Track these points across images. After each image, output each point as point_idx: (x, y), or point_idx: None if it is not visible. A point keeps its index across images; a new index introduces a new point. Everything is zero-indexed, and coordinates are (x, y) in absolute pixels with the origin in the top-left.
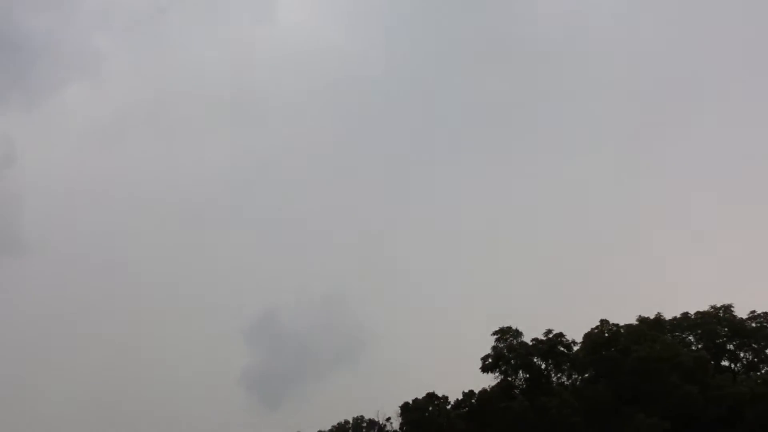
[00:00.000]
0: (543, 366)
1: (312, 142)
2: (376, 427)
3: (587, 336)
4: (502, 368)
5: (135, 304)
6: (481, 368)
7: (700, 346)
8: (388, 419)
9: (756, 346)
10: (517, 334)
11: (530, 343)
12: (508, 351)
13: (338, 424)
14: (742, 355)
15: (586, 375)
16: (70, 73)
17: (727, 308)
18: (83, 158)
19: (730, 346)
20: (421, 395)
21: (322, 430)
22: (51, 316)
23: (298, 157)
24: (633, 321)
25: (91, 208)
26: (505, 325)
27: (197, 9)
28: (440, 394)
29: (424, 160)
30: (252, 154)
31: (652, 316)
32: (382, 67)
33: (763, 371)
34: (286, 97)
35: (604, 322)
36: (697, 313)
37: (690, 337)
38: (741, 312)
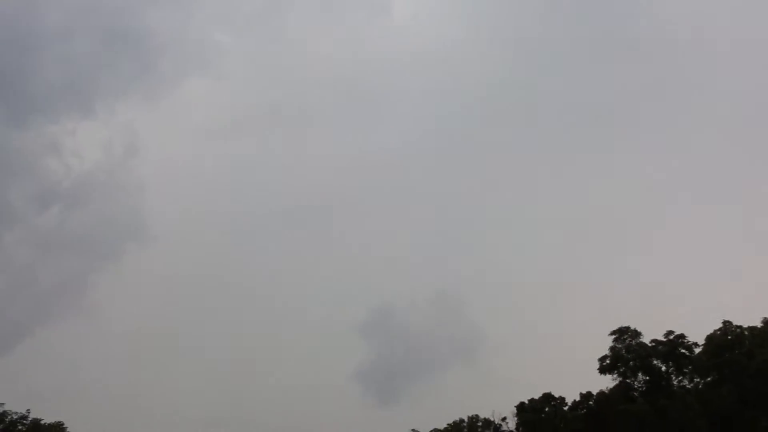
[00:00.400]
0: (663, 368)
1: (424, 138)
2: (492, 427)
3: (709, 338)
4: (621, 369)
5: (252, 295)
6: (598, 369)
7: None
8: (504, 419)
9: None
10: (636, 334)
11: (649, 345)
12: (626, 352)
13: (453, 422)
14: None
15: (709, 378)
16: (191, 68)
17: None
18: (203, 149)
19: None
20: (536, 395)
21: (437, 428)
22: (171, 298)
23: (413, 156)
24: (757, 323)
25: (211, 198)
26: (623, 325)
27: (314, 5)
28: (557, 395)
29: (528, 158)
30: (368, 150)
31: None
32: (489, 63)
33: None
34: (400, 93)
35: (726, 324)
36: None
37: None
38: None
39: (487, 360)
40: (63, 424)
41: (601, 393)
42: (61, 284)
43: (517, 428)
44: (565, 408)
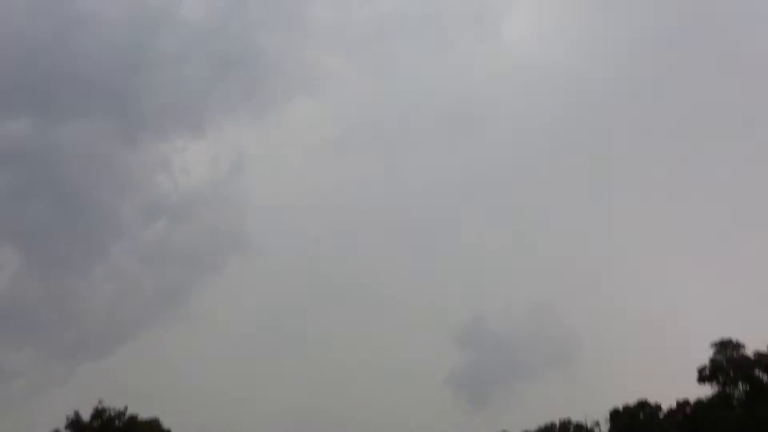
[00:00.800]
0: (765, 379)
1: (529, 156)
2: None
3: None
4: (720, 380)
5: (350, 305)
6: (697, 379)
7: None
8: (597, 424)
9: None
10: (738, 346)
11: (753, 357)
12: (727, 363)
13: (545, 425)
14: None
15: None
16: (299, 89)
17: None
18: (308, 169)
19: None
20: (629, 401)
21: (528, 430)
22: (274, 310)
23: (519, 163)
24: None
25: (314, 216)
26: (725, 338)
27: (422, 28)
28: (652, 402)
29: (635, 167)
30: (472, 168)
31: None
32: (601, 80)
33: None
34: (508, 113)
35: None
36: None
37: None
38: None
39: (581, 366)
40: (159, 420)
41: (699, 401)
42: (165, 293)
43: None
44: (661, 415)
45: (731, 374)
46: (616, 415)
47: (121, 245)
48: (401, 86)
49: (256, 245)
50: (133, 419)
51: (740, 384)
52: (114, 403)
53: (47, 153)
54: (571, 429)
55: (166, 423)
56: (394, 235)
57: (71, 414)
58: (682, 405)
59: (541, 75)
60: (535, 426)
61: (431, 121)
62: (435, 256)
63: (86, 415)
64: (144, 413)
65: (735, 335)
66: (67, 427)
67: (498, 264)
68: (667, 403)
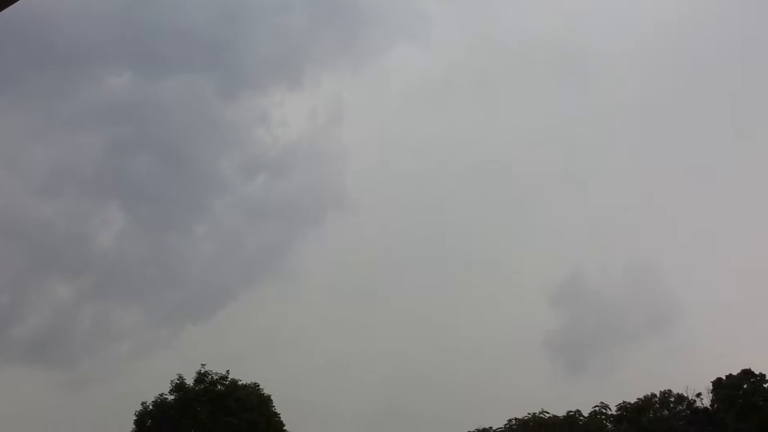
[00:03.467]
0: None
1: (643, 100)
2: (685, 403)
3: None
4: None
5: (446, 264)
6: None
7: None
8: (699, 395)
9: None
10: None
11: None
12: None
13: (644, 396)
14: None
15: None
16: (398, 37)
17: None
18: (408, 118)
19: None
20: (735, 371)
21: (627, 401)
22: (371, 263)
23: (630, 116)
24: None
25: (415, 167)
26: None
27: None
28: (757, 372)
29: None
30: (579, 113)
31: None
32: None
33: None
34: (618, 54)
35: None
36: None
37: None
38: None
39: (683, 332)
40: (259, 385)
41: None
42: (264, 250)
43: (712, 405)
44: (766, 385)
45: None
46: (718, 385)
47: (222, 202)
48: (506, 30)
49: (353, 200)
50: (234, 383)
51: None
52: (217, 365)
53: (148, 109)
54: (672, 400)
55: (265, 387)
56: (495, 189)
57: (175, 377)
58: None
59: (652, 10)
60: (633, 396)
61: (538, 68)
62: (533, 211)
63: (190, 379)
64: (245, 376)
65: None
66: (171, 391)
67: (598, 221)
68: None
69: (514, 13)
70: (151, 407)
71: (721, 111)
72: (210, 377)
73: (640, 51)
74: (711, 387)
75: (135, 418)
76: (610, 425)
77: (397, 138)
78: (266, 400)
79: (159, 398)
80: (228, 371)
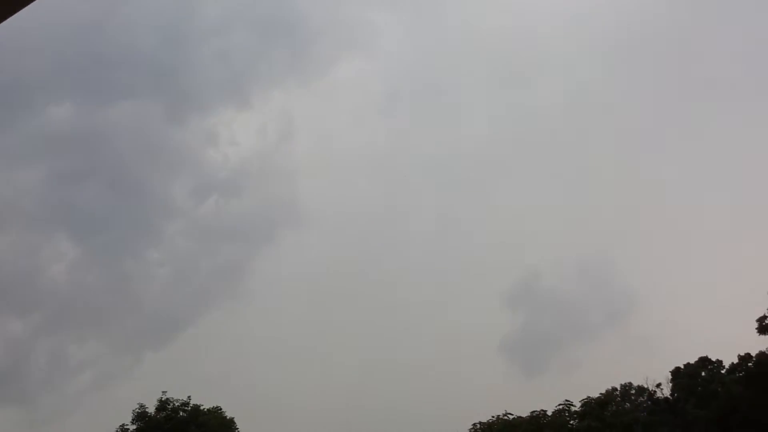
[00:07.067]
0: None
1: (587, 99)
2: (646, 394)
3: None
4: None
5: (398, 277)
6: (757, 329)
7: None
8: (658, 385)
9: None
10: None
11: None
12: None
13: (606, 391)
14: None
15: None
16: (345, 49)
17: None
18: (359, 130)
19: None
20: (693, 360)
21: (590, 396)
22: (325, 283)
23: (571, 117)
24: None
25: (367, 179)
26: None
27: None
28: (713, 359)
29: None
30: (524, 116)
31: None
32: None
33: None
34: (566, 56)
35: None
36: None
37: None
38: None
39: (638, 325)
40: (221, 409)
41: (761, 354)
42: (220, 272)
43: (672, 394)
44: (723, 371)
45: None
46: (677, 375)
47: (174, 226)
48: (452, 39)
49: (307, 214)
50: (197, 409)
51: None
52: (178, 392)
53: (94, 137)
54: (633, 392)
55: (228, 410)
56: (447, 196)
57: (137, 407)
58: (744, 359)
59: (595, 18)
60: (595, 392)
61: (485, 75)
62: (489, 216)
63: (151, 408)
64: (207, 401)
65: None
66: (133, 421)
67: (550, 221)
68: (730, 358)
69: (460, 21)
70: None
71: (663, 108)
72: (172, 404)
73: (584, 53)
74: (670, 377)
75: None
76: (574, 422)
77: (348, 151)
78: (229, 423)
79: (120, 429)
80: (189, 397)
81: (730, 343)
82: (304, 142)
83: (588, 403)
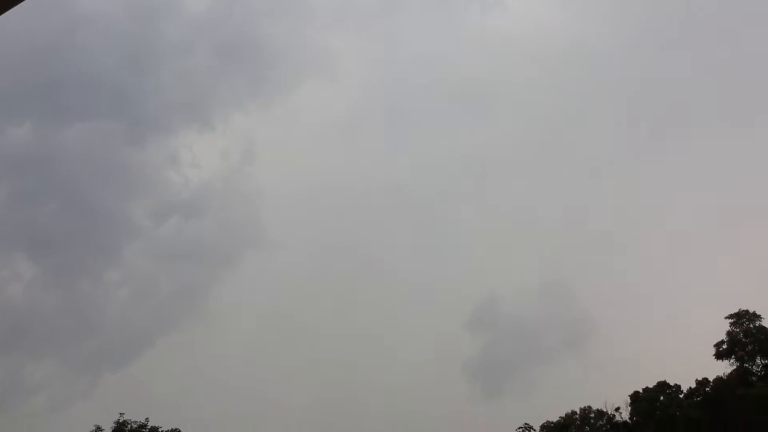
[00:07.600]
0: None
1: (540, 131)
2: (605, 418)
3: None
4: (738, 354)
5: (361, 297)
6: (714, 355)
7: None
8: (617, 409)
9: None
10: (754, 317)
11: None
12: (744, 336)
13: (566, 414)
14: None
15: None
16: (305, 73)
17: None
18: (320, 152)
19: None
20: (651, 384)
21: (550, 420)
22: (287, 305)
23: (526, 149)
24: None
25: (325, 201)
26: (742, 309)
27: (428, 5)
28: (672, 383)
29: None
30: (481, 144)
31: None
32: (609, 57)
33: None
34: (517, 86)
35: None
36: None
37: None
38: None
39: (598, 349)
40: (180, 430)
41: (718, 379)
42: (179, 293)
43: (631, 418)
44: (681, 395)
45: (749, 348)
46: (636, 399)
47: (133, 247)
48: (410, 63)
49: (268, 236)
50: (155, 430)
51: (758, 359)
52: (136, 413)
53: (52, 158)
54: (592, 416)
55: (187, 431)
56: (408, 217)
57: (93, 429)
58: (702, 383)
59: (545, 45)
60: (555, 416)
61: (439, 97)
62: (445, 238)
63: (108, 429)
64: (165, 422)
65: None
66: None
67: (508, 245)
68: (688, 382)
69: (418, 45)
70: None
71: (619, 128)
72: (129, 426)
73: (538, 81)
74: (629, 401)
75: None
76: None
77: (310, 172)
78: None
79: None
80: (147, 419)
81: (688, 368)
82: (266, 164)
83: (548, 427)
